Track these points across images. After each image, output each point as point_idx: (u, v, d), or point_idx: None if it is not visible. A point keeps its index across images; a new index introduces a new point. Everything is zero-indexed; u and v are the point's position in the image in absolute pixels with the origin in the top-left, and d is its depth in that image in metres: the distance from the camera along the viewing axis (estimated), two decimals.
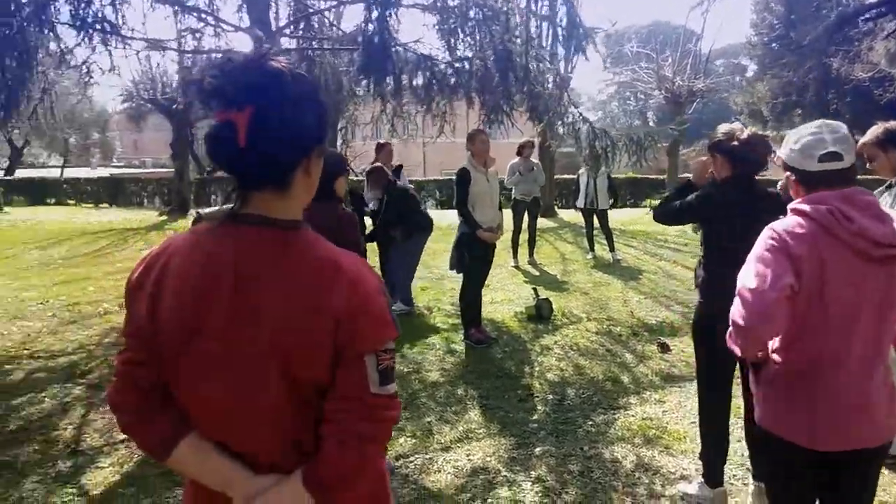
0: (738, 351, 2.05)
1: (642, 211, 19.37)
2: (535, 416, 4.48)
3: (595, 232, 10.74)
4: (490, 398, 4.76)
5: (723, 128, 3.23)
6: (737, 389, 3.37)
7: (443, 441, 4.11)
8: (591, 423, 4.37)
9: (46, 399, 4.81)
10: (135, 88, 21.88)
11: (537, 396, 4.81)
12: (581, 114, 8.83)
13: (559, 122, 8.53)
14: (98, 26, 7.65)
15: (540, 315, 6.87)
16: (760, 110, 30.92)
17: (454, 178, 5.94)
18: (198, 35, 9.15)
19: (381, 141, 8.05)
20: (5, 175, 33.60)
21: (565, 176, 22.72)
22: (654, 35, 22.99)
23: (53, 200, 28.13)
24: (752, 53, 33.56)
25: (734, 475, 3.62)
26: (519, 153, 9.56)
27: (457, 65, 7.02)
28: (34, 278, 9.75)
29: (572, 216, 16.49)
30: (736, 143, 3.09)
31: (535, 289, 7.26)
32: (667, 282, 8.84)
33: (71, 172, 34.70)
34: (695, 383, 5.01)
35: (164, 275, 1.27)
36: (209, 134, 1.22)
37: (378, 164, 7.19)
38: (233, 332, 1.22)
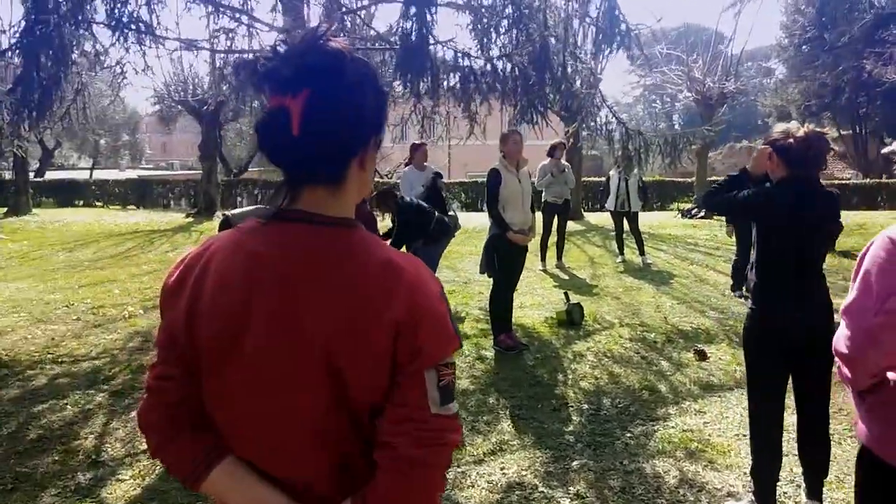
0: (848, 385, 1.79)
1: (670, 214, 19.07)
2: (571, 428, 4.31)
3: (624, 235, 10.53)
4: (523, 408, 4.60)
5: (779, 126, 3.05)
6: (788, 400, 3.16)
7: (475, 453, 3.96)
8: (629, 434, 4.19)
9: (68, 406, 4.73)
10: (166, 90, 22.07)
11: (572, 406, 4.64)
12: (614, 113, 8.64)
13: (591, 122, 8.36)
14: (133, 26, 7.64)
15: (571, 320, 6.70)
16: (790, 112, 30.36)
17: (485, 179, 5.81)
18: (231, 35, 9.13)
19: (417, 142, 8.01)
20: (35, 177, 34.12)
21: (592, 178, 22.49)
22: (684, 37, 22.66)
23: (81, 202, 28.44)
24: (782, 56, 33.00)
25: (784, 492, 3.42)
26: (550, 154, 9.37)
27: (495, 63, 6.84)
28: (60, 280, 9.77)
29: (599, 219, 16.25)
30: (792, 141, 2.91)
31: (566, 293, 7.09)
32: (699, 286, 8.61)
33: (101, 174, 35.12)
34: (735, 392, 4.86)
35: (204, 276, 1.14)
36: (260, 122, 1.11)
37: (386, 188, 7.22)
38: (278, 341, 1.09)
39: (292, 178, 1.14)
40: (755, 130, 42.04)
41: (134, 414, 4.50)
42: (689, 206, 19.46)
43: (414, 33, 5.95)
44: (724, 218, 8.21)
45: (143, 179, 31.18)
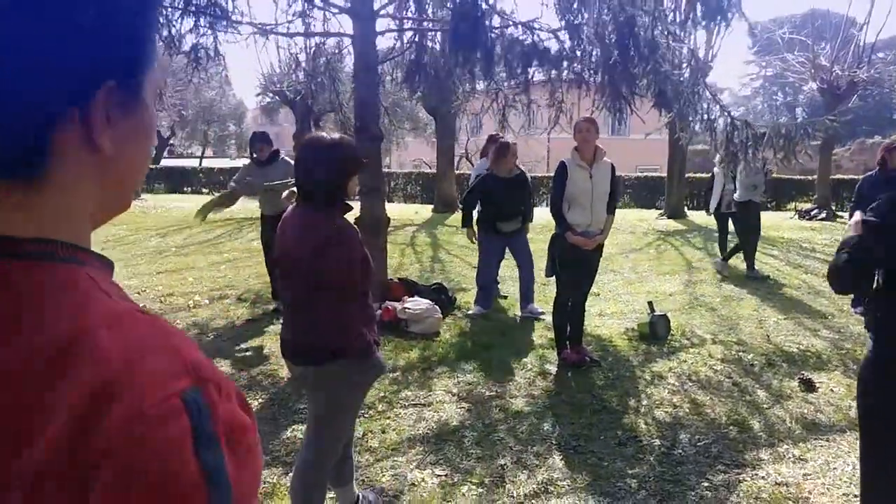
0: None
1: (786, 215, 17.47)
2: (636, 469, 3.61)
3: (729, 237, 9.50)
4: (582, 438, 3.93)
5: None
6: None
7: (515, 494, 3.34)
8: (706, 483, 3.45)
9: None
10: (267, 81, 22.41)
11: (641, 441, 3.92)
12: (718, 102, 7.67)
13: (692, 112, 7.41)
14: (209, 11, 7.51)
15: (654, 334, 5.92)
16: None
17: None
18: (307, 19, 8.86)
19: (493, 133, 7.53)
20: (152, 163, 35.98)
21: (699, 174, 21.10)
22: (809, 22, 20.67)
23: (189, 189, 29.61)
24: None
25: None
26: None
27: (562, 34, 6.10)
28: (143, 265, 9.86)
29: (704, 218, 15.02)
30: None
31: (649, 302, 6.29)
32: (813, 299, 7.53)
33: (212, 163, 36.55)
34: (848, 436, 3.96)
35: None
36: None
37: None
38: None
39: None
40: (889, 125, 38.43)
41: None
42: (808, 206, 17.78)
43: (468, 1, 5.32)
44: (846, 221, 7.07)
45: None
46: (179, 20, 7.66)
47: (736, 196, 8.73)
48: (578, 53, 6.14)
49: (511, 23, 6.38)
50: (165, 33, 7.86)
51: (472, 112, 10.32)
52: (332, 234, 2.47)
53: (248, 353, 5.53)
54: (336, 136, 2.60)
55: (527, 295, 6.78)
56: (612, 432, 4.02)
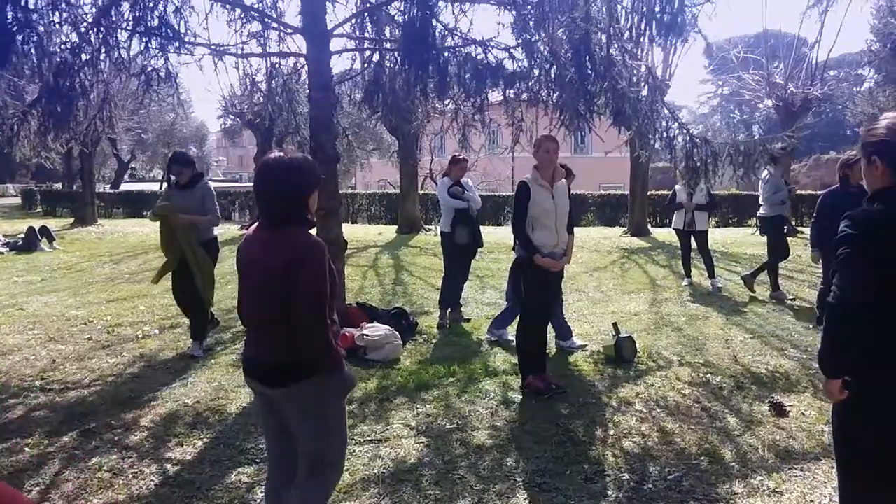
0: None
1: (747, 230, 17.62)
2: None
3: (693, 254, 9.47)
4: (547, 474, 3.72)
5: (887, 118, 2.14)
6: None
7: None
8: None
9: (26, 449, 4.13)
10: (227, 103, 22.04)
11: (608, 475, 3.72)
12: (677, 119, 7.62)
13: (651, 130, 7.34)
14: (159, 32, 7.22)
15: (621, 357, 5.77)
16: None
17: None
18: (262, 40, 8.62)
19: (457, 154, 7.44)
20: (111, 188, 35.15)
21: (661, 191, 21.25)
22: (763, 41, 21.06)
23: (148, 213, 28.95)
24: (873, 60, 30.66)
25: None
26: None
27: (518, 52, 5.98)
28: (93, 294, 9.46)
29: (667, 236, 15.06)
30: None
31: (615, 324, 6.14)
32: (779, 317, 7.48)
33: None
34: (823, 464, 3.77)
35: None
36: None
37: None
38: None
39: None
40: (843, 141, 39.38)
41: (95, 460, 3.89)
42: None
43: (417, 20, 5.16)
44: (809, 239, 7.02)
45: None
46: (127, 42, 7.37)
47: (762, 212, 8.66)
48: (536, 72, 6.02)
49: (465, 41, 6.24)
50: (115, 55, 7.59)
51: (433, 132, 10.17)
52: (307, 248, 2.43)
53: (195, 387, 5.22)
54: (296, 154, 2.61)
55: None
56: (579, 466, 3.82)
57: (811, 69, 18.90)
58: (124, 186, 36.57)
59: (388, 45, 7.25)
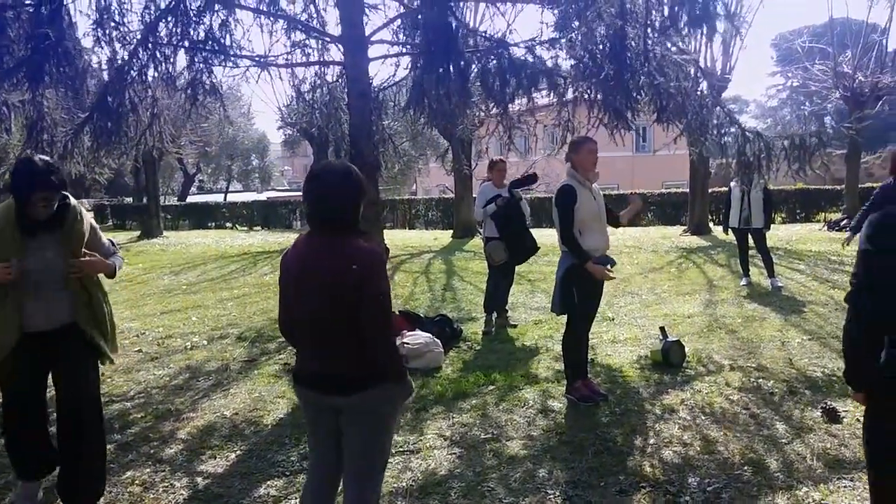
0: None
1: (815, 226, 16.88)
2: None
3: (751, 253, 9.10)
4: (580, 486, 3.59)
5: None
6: None
7: None
8: None
9: None
10: (285, 114, 22.50)
11: (645, 486, 3.56)
12: (728, 114, 7.33)
13: (700, 126, 7.06)
14: (206, 45, 7.39)
15: (668, 362, 5.55)
16: None
17: (554, 197, 4.82)
18: (306, 50, 8.73)
19: (495, 158, 7.47)
20: (178, 200, 36.42)
21: (720, 189, 20.59)
22: (829, 30, 20.10)
23: (213, 224, 29.81)
24: None
25: None
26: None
27: (541, 48, 5.84)
28: (149, 306, 9.74)
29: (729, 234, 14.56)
30: None
31: (662, 328, 5.93)
32: (840, 317, 7.03)
33: (239, 197, 36.89)
34: None
35: None
36: None
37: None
38: None
39: None
40: None
41: (128, 474, 3.95)
42: (837, 216, 17.17)
43: (435, 16, 5.09)
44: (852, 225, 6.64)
45: (270, 201, 32.35)
46: (173, 55, 7.56)
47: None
48: (574, 71, 5.88)
49: (499, 43, 6.15)
50: (163, 69, 7.81)
51: (482, 136, 10.16)
52: (373, 258, 2.44)
53: (235, 398, 5.28)
54: (345, 163, 2.63)
55: None
56: (615, 477, 3.68)
57: (882, 56, 17.97)
58: (192, 198, 37.80)
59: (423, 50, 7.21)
